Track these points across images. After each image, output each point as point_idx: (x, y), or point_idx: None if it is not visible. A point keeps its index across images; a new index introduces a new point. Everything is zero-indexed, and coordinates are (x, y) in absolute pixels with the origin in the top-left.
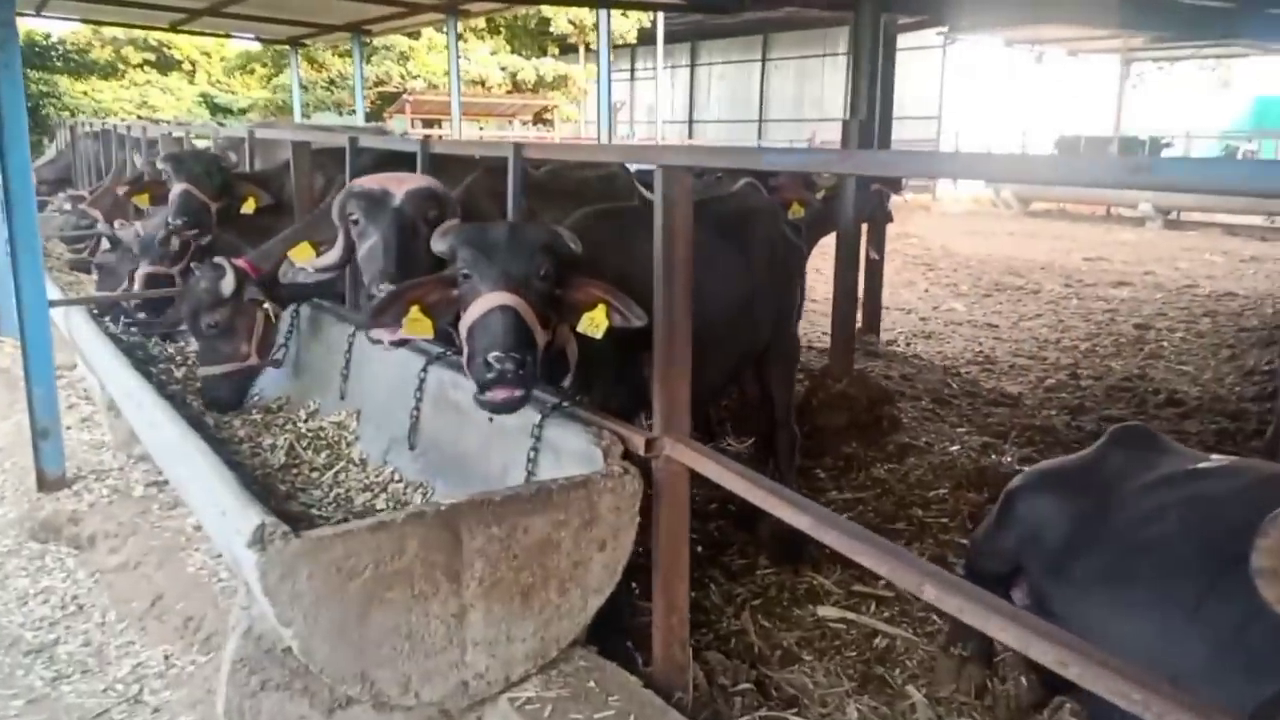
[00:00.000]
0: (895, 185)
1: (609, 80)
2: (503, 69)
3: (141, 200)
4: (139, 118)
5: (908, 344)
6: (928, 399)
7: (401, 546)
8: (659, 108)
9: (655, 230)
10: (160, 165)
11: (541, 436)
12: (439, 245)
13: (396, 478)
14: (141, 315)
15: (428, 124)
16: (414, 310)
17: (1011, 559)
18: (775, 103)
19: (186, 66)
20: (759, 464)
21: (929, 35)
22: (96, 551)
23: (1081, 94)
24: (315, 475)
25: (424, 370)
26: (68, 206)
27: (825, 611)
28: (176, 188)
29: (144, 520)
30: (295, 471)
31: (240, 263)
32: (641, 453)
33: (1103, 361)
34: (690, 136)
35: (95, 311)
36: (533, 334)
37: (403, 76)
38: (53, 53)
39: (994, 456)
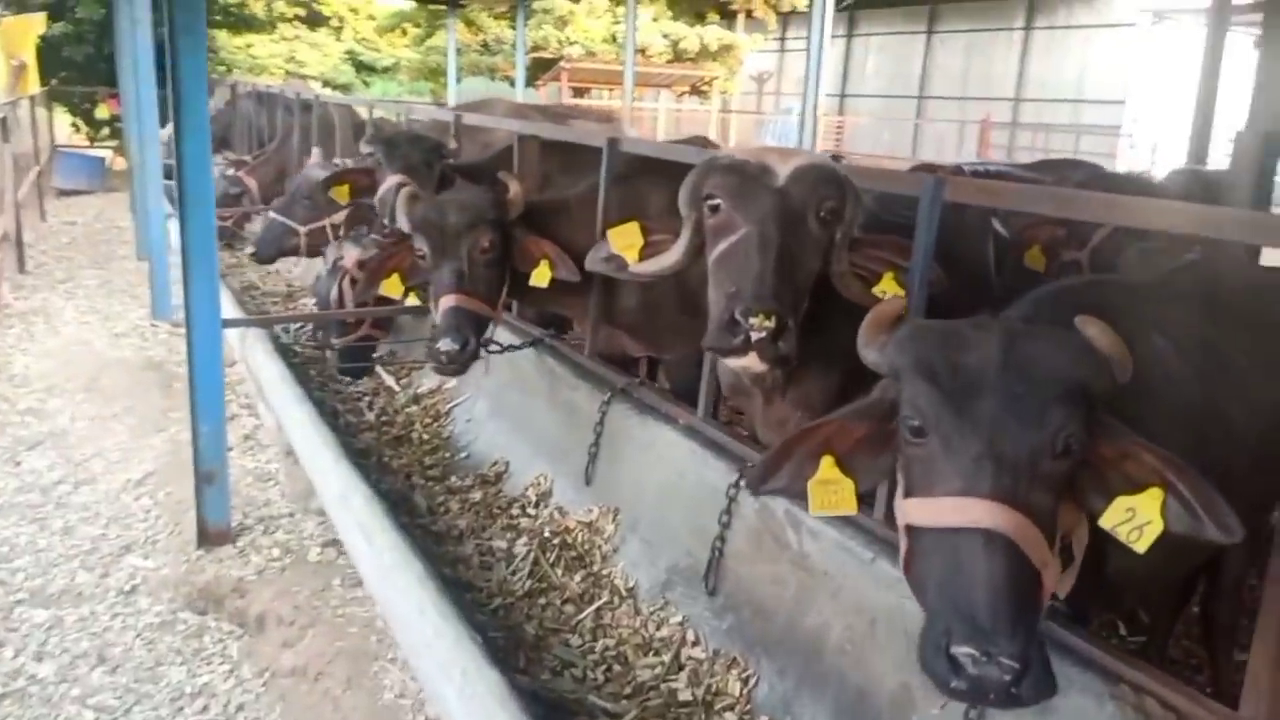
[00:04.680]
0: None
1: (822, 45)
2: (665, 36)
3: (341, 194)
4: (287, 74)
5: None
6: None
7: None
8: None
9: None
10: (366, 149)
11: None
12: (871, 355)
13: (692, 638)
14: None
15: (579, 93)
16: (826, 465)
17: None
18: (939, 79)
19: (335, 23)
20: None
21: (1126, 11)
22: (266, 639)
23: None
24: (570, 610)
25: (735, 488)
26: (226, 171)
27: None
28: (390, 180)
29: (324, 604)
30: (543, 601)
31: None
32: None
33: None
34: (841, 112)
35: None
36: (1039, 580)
37: (559, 42)
38: (213, 5)
39: None
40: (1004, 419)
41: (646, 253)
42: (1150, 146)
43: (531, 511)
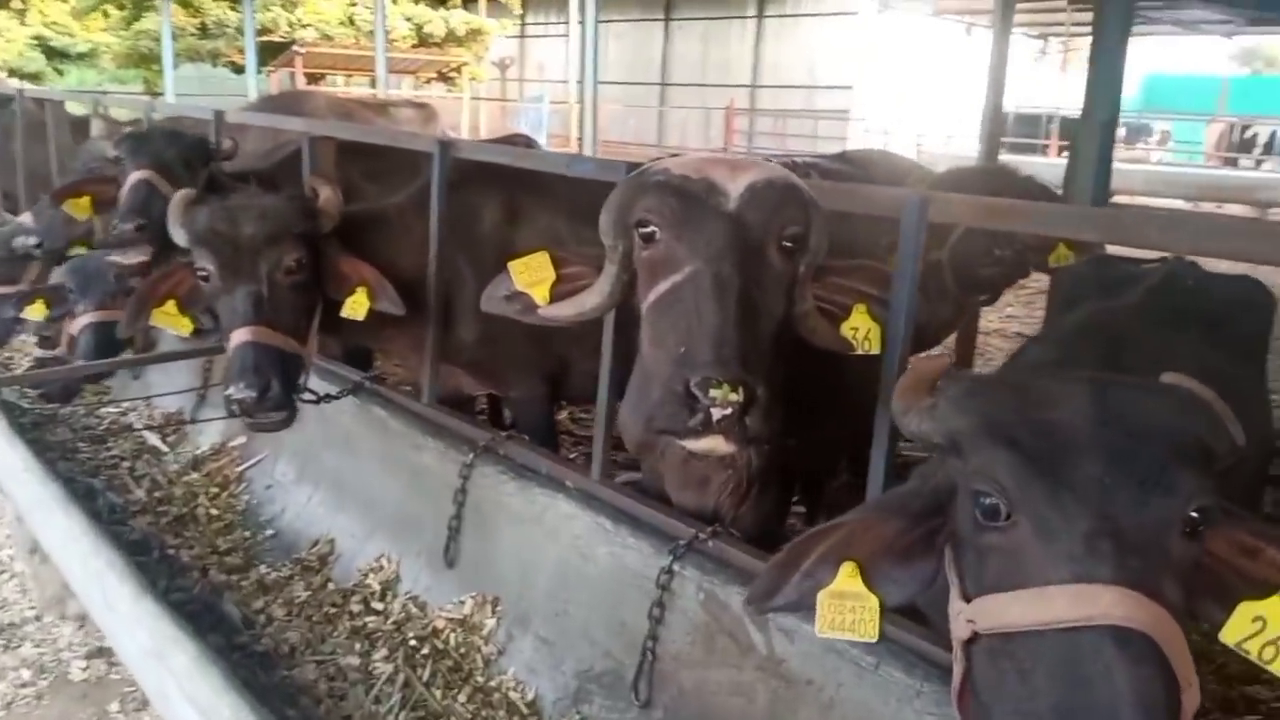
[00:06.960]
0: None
1: (596, 32)
2: (407, 20)
3: (78, 208)
4: None
5: None
6: None
7: None
8: (571, 67)
9: None
10: (115, 151)
11: None
12: (917, 423)
13: None
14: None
15: (315, 79)
16: (846, 574)
17: None
18: (679, 66)
19: (17, 4)
20: None
21: (851, 1)
22: None
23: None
24: None
25: (669, 572)
26: None
27: None
28: (132, 176)
29: None
30: None
31: None
32: None
33: None
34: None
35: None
36: (1180, 705)
37: (290, 25)
38: None
39: None
40: (1118, 486)
41: (560, 290)
42: (882, 131)
43: (378, 606)
